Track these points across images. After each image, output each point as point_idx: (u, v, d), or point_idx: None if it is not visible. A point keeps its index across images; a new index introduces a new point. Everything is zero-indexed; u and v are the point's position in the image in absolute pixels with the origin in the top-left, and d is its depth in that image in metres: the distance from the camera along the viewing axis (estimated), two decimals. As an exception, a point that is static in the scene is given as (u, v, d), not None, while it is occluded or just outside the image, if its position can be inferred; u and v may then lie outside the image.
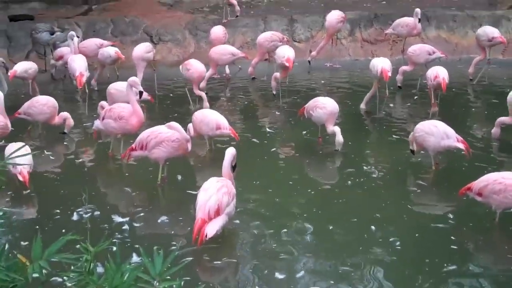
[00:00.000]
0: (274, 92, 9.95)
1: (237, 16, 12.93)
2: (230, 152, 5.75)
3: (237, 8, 12.90)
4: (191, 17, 13.25)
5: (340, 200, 6.42)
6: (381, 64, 8.98)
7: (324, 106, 7.72)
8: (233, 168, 5.77)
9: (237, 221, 5.88)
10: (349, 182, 6.86)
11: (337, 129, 7.57)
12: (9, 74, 9.69)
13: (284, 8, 14.35)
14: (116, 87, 8.63)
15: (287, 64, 9.53)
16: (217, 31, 11.21)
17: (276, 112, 9.56)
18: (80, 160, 7.80)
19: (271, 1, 15.03)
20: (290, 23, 12.74)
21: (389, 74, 8.97)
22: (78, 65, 9.58)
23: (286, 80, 10.32)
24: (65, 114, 8.32)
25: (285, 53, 9.67)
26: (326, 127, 7.72)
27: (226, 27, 11.92)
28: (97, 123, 7.59)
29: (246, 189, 6.49)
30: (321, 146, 7.96)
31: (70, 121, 8.34)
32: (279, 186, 6.80)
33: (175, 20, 12.98)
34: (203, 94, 9.39)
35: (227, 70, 11.18)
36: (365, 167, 7.23)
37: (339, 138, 7.51)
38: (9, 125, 7.64)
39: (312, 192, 6.62)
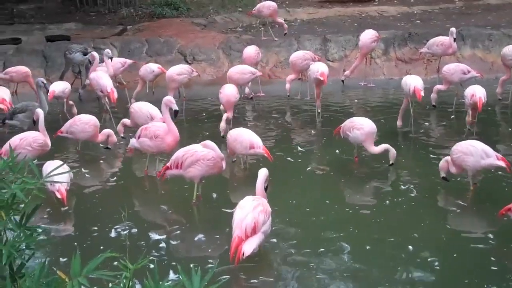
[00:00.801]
0: (319, 111, 9.85)
1: (285, 34, 13.05)
2: (263, 173, 5.75)
3: (285, 25, 13.12)
4: (224, 37, 13.34)
5: (378, 220, 6.35)
6: (413, 83, 8.91)
7: (361, 127, 7.66)
8: (265, 189, 5.76)
9: (274, 240, 5.85)
10: (387, 201, 6.78)
11: (384, 145, 7.56)
12: (48, 94, 9.82)
13: (317, 28, 14.37)
14: (138, 106, 8.74)
15: (321, 78, 9.51)
16: (249, 51, 11.24)
17: (312, 131, 9.51)
18: (116, 177, 7.88)
19: (304, 21, 15.07)
20: (324, 42, 12.74)
21: (422, 93, 8.89)
22: (107, 81, 9.79)
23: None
24: (108, 131, 8.40)
25: (319, 67, 9.67)
26: (367, 148, 7.67)
27: (260, 46, 11.96)
28: (133, 141, 7.64)
29: (283, 208, 6.45)
30: (357, 165, 7.90)
31: (114, 138, 8.45)
32: (316, 205, 6.75)
33: (209, 40, 13.08)
34: (228, 115, 9.30)
35: (247, 90, 11.07)
36: (402, 187, 7.15)
37: (392, 152, 7.49)
38: (49, 143, 7.74)
39: (350, 211, 6.56)
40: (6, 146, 7.29)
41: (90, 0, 16.72)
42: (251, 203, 5.39)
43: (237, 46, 12.61)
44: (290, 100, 10.96)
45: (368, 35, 11.41)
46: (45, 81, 9.55)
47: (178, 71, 10.22)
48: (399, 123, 9.17)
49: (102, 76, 9.96)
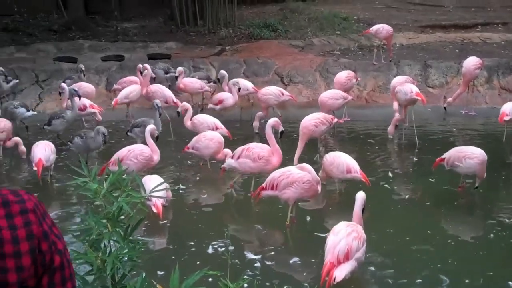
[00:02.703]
0: (391, 136, 9.74)
1: (390, 61, 12.90)
2: (361, 196, 5.64)
3: (391, 54, 12.97)
4: (322, 59, 13.31)
5: (480, 253, 6.10)
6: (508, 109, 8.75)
7: (475, 156, 7.35)
8: (362, 212, 5.65)
9: (372, 268, 5.71)
10: (491, 235, 6.50)
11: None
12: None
13: (417, 53, 14.11)
14: (202, 117, 9.17)
15: (418, 98, 9.33)
16: (339, 76, 11.05)
17: (408, 158, 9.31)
18: (211, 194, 7.95)
19: (403, 45, 14.83)
20: (424, 68, 12.49)
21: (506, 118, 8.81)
22: (170, 92, 10.49)
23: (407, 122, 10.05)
24: (227, 150, 8.40)
25: (411, 88, 9.50)
26: (479, 177, 7.41)
27: (358, 71, 11.84)
28: (230, 161, 7.65)
29: (379, 236, 6.32)
30: (457, 194, 7.63)
31: (230, 153, 8.55)
32: (415, 234, 6.55)
33: (306, 62, 13.09)
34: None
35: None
36: (507, 220, 6.84)
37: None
38: (155, 158, 7.91)
39: (452, 243, 6.34)
40: (115, 157, 7.56)
41: (190, 20, 17.09)
42: (345, 229, 5.31)
43: (334, 69, 12.54)
44: (387, 125, 10.68)
45: (471, 62, 11.08)
46: (76, 89, 9.90)
47: (264, 92, 10.47)
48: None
49: (165, 88, 10.49)
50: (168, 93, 10.48)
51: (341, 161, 7.38)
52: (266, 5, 19.05)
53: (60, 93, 10.69)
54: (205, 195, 7.89)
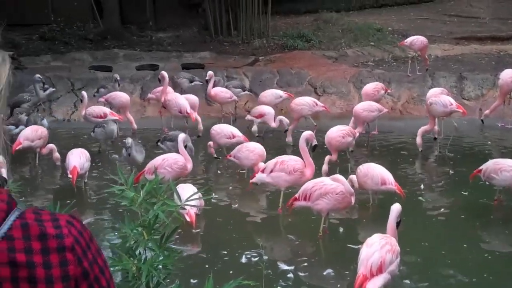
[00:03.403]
0: (420, 149, 9.60)
1: (427, 69, 12.79)
2: (396, 208, 5.57)
3: (428, 63, 12.85)
4: (356, 70, 13.26)
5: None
6: None
7: (511, 169, 7.25)
8: (397, 224, 5.58)
9: (406, 281, 5.65)
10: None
11: None
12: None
13: (452, 65, 13.96)
14: (219, 127, 9.35)
15: (459, 110, 9.26)
16: (367, 87, 11.02)
17: (442, 171, 9.19)
18: (243, 203, 7.93)
19: (438, 57, 14.70)
20: (459, 80, 12.35)
21: None
22: (185, 102, 10.46)
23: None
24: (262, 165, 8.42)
25: (450, 100, 9.41)
26: None
27: (392, 82, 11.76)
28: (262, 176, 7.54)
29: (414, 249, 6.23)
30: (493, 208, 7.51)
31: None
32: (450, 248, 6.46)
33: (340, 73, 13.05)
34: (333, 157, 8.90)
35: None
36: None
37: None
38: (189, 166, 7.96)
39: (488, 257, 6.23)
40: (150, 166, 7.61)
41: (224, 30, 17.19)
42: (379, 241, 5.24)
43: (368, 80, 12.45)
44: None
45: (508, 74, 10.91)
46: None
47: (298, 102, 10.45)
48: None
49: (180, 97, 10.51)
50: (183, 102, 10.47)
51: (376, 172, 7.32)
52: (300, 15, 19.08)
53: (81, 100, 10.86)
54: (238, 205, 7.88)
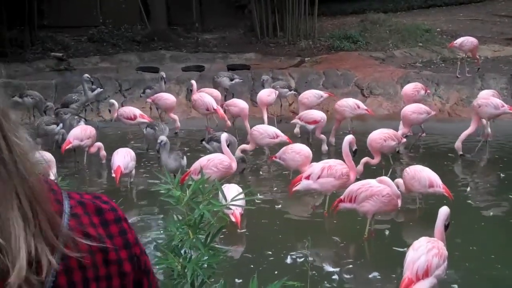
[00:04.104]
0: (460, 152, 9.42)
1: (478, 69, 12.58)
2: (444, 212, 5.46)
3: (479, 63, 12.66)
4: (403, 72, 13.09)
5: None
6: None
7: None
8: (446, 227, 5.48)
9: (455, 286, 5.54)
10: None
11: None
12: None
13: (503, 66, 13.66)
14: (262, 128, 9.40)
15: (511, 112, 9.11)
16: (407, 87, 10.91)
17: (491, 174, 9.02)
18: (288, 205, 7.88)
19: (488, 58, 14.40)
20: (510, 81, 12.06)
21: None
22: (211, 99, 10.64)
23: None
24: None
25: (501, 102, 9.23)
26: None
27: (440, 83, 11.58)
28: (307, 183, 7.37)
29: (463, 254, 6.11)
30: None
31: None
32: (498, 253, 6.30)
33: (387, 75, 12.90)
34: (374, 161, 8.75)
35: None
36: None
37: None
38: (234, 166, 7.99)
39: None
40: (195, 166, 7.66)
41: (270, 31, 17.19)
42: (425, 245, 5.15)
43: (416, 81, 12.27)
44: (469, 141, 10.31)
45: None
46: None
47: (340, 103, 10.41)
48: None
49: (205, 95, 10.66)
50: (209, 99, 10.56)
51: (423, 175, 7.21)
52: (347, 16, 18.97)
53: (109, 110, 11.25)
54: (282, 205, 7.86)
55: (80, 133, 9.27)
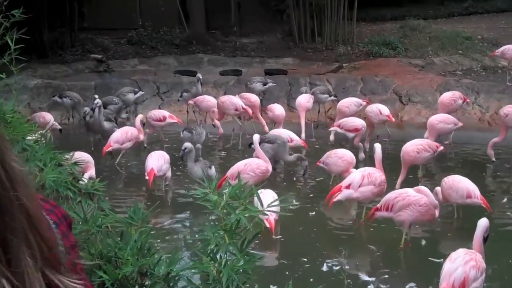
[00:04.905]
0: (493, 159, 9.30)
1: None
2: (484, 223, 5.37)
3: None
4: (443, 79, 12.90)
5: None
6: None
7: None
8: (485, 240, 5.37)
9: (492, 299, 5.44)
10: None
11: None
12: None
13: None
14: (278, 132, 9.38)
15: None
16: (443, 96, 10.71)
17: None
18: (324, 211, 7.81)
19: (530, 67, 14.12)
20: (553, 91, 11.83)
21: None
22: (239, 100, 10.72)
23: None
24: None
25: None
26: None
27: (480, 92, 11.38)
28: (349, 192, 7.21)
29: (502, 267, 5.99)
30: None
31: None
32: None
33: (426, 82, 12.73)
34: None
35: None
36: None
37: None
38: (270, 168, 7.97)
39: None
40: (232, 171, 7.65)
41: (308, 36, 17.14)
42: (463, 256, 5.07)
43: (455, 89, 12.07)
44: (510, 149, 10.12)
45: None
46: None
47: (367, 109, 10.38)
48: None
49: (232, 97, 10.83)
50: (237, 100, 10.67)
51: (461, 185, 7.09)
52: (386, 22, 18.83)
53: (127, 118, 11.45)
54: (317, 212, 7.79)
55: (121, 136, 9.30)
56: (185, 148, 8.30)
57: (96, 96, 10.68)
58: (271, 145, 8.83)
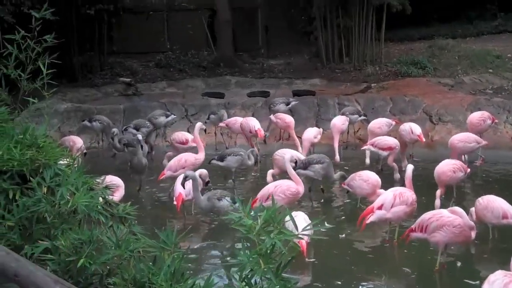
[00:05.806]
0: None
1: None
2: (521, 245, 5.24)
3: None
4: (473, 98, 12.75)
5: None
6: None
7: None
8: (522, 264, 5.24)
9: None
10: None
11: None
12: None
13: None
14: (282, 152, 9.19)
15: None
16: (472, 116, 10.63)
17: None
18: (356, 233, 7.63)
19: None
20: None
21: None
22: (255, 122, 11.00)
23: None
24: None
25: None
26: None
27: (507, 111, 11.24)
28: (381, 213, 7.11)
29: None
30: None
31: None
32: None
33: (457, 101, 12.58)
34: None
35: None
36: None
37: None
38: (301, 190, 7.88)
39: None
40: (263, 192, 7.60)
41: (336, 57, 17.10)
42: (501, 279, 4.93)
43: (486, 108, 11.91)
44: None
45: None
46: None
47: (400, 127, 10.38)
48: None
49: (249, 118, 11.25)
50: (253, 122, 10.95)
51: (496, 205, 6.96)
52: (414, 42, 18.72)
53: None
54: (348, 235, 7.66)
55: (174, 165, 9.19)
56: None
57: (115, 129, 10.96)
58: (322, 165, 8.72)
